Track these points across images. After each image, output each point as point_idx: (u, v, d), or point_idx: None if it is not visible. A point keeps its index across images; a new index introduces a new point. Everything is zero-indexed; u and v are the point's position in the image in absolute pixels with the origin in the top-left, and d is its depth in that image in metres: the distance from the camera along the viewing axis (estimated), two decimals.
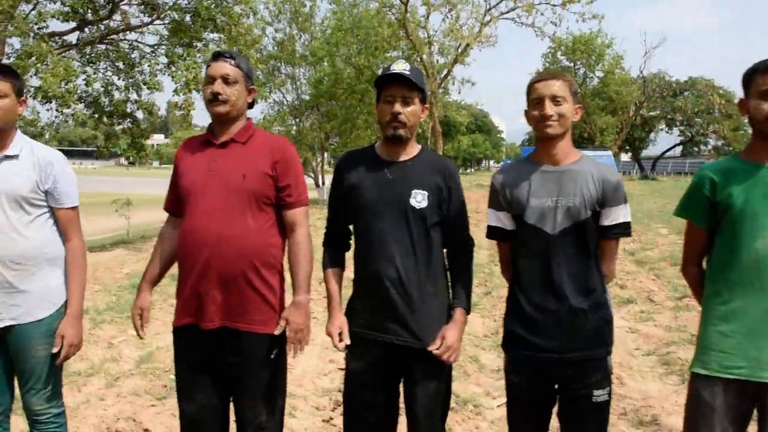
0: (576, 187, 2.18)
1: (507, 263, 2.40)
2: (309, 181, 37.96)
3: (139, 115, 13.06)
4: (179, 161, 2.47)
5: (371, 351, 2.32)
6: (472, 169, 77.29)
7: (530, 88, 2.21)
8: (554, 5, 22.36)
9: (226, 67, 2.34)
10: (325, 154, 26.81)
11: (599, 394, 2.21)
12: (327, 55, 21.32)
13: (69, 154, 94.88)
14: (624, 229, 2.25)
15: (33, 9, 10.95)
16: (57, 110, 10.71)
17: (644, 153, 52.94)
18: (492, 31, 23.33)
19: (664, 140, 50.72)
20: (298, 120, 24.54)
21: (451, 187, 2.33)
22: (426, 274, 2.29)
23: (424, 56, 21.59)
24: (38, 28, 10.91)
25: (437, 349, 2.23)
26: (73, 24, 11.79)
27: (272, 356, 2.35)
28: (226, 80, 2.33)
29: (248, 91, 2.44)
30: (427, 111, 2.40)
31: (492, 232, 2.37)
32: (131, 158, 14.47)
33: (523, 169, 2.29)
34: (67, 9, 11.27)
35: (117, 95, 12.34)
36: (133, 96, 12.44)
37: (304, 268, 2.35)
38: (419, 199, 2.27)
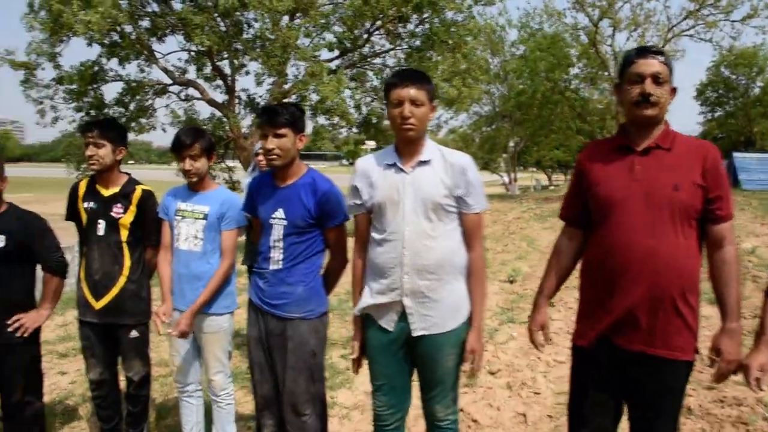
0: None
1: None
2: (492, 178, 45.06)
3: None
4: (588, 169, 2.28)
5: None
6: None
7: None
8: (733, 21, 23.78)
9: (655, 65, 2.11)
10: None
11: None
12: (526, 71, 24.42)
13: None
14: None
15: (310, 42, 14.17)
16: (328, 119, 13.95)
17: None
18: (675, 47, 24.93)
19: None
20: (492, 127, 31.86)
21: None
22: None
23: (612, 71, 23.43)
24: (313, 56, 14.09)
25: None
26: (336, 52, 14.98)
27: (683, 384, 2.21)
28: (656, 79, 2.10)
29: (671, 92, 2.17)
30: None
31: None
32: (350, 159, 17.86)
33: None
34: (334, 40, 14.42)
35: (364, 109, 15.36)
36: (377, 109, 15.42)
37: (736, 290, 2.11)
38: None
